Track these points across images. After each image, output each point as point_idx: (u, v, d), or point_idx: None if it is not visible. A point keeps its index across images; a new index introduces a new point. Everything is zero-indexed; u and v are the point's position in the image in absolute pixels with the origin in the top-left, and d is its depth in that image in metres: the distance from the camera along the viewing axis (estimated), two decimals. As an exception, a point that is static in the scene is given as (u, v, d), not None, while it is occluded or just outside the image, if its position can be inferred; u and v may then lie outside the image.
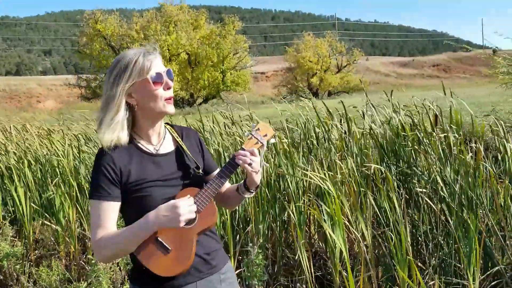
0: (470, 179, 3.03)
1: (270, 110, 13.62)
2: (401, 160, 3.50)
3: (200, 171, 1.65)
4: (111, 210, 1.52)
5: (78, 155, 4.49)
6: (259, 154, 1.60)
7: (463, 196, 3.02)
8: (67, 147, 4.33)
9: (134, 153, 1.58)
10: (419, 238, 3.17)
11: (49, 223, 4.17)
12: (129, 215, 1.57)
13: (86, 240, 4.02)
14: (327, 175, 2.81)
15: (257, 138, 1.60)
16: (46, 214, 4.25)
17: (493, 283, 2.83)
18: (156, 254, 1.48)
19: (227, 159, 3.63)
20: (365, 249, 2.90)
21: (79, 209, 4.00)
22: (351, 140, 3.62)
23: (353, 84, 37.95)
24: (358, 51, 39.06)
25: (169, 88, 1.57)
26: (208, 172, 1.72)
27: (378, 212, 3.04)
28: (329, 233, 2.53)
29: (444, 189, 3.08)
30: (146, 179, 1.55)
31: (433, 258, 3.07)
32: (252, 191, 1.67)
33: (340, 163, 3.11)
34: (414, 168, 3.36)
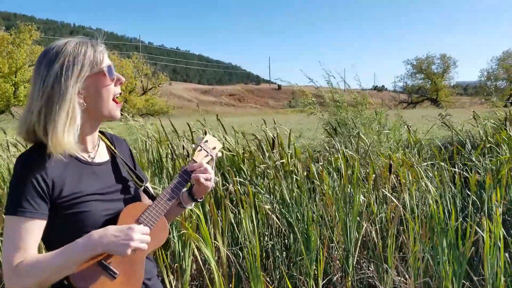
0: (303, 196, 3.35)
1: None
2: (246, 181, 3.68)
3: (144, 183, 1.46)
4: (36, 229, 1.22)
5: None
6: (211, 168, 1.49)
7: (300, 212, 3.32)
8: None
9: (68, 161, 1.30)
10: (265, 253, 3.37)
11: None
12: (59, 236, 1.26)
13: None
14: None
15: (206, 151, 1.50)
16: None
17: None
18: (100, 279, 1.24)
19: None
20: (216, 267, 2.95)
21: None
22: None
23: (158, 107, 38.25)
24: (164, 75, 39.67)
25: (120, 83, 1.38)
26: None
27: (237, 229, 3.14)
28: (205, 253, 2.50)
29: (284, 206, 3.35)
30: (83, 192, 1.29)
31: (277, 272, 3.29)
32: (198, 200, 1.54)
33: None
34: (258, 187, 3.57)
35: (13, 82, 27.26)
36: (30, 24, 29.25)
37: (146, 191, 1.49)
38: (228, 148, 3.93)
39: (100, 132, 1.47)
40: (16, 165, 1.26)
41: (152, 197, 1.50)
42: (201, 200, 1.56)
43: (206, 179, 1.45)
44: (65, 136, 1.24)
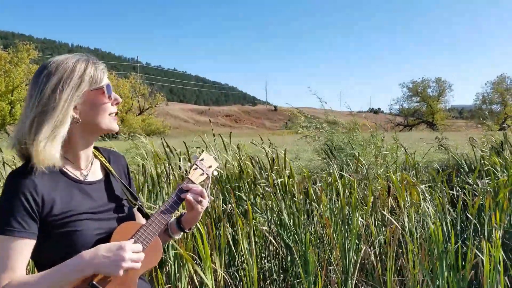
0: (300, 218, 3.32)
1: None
2: (242, 200, 3.66)
3: (138, 202, 1.43)
4: (24, 249, 1.18)
5: None
6: (206, 187, 1.46)
7: (297, 234, 3.29)
8: None
9: (59, 179, 1.27)
10: (262, 275, 3.33)
11: None
12: (50, 255, 1.23)
13: None
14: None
15: (202, 169, 1.46)
16: None
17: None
18: None
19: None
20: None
21: None
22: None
23: (154, 126, 38.32)
24: (161, 96, 39.89)
25: (117, 103, 1.35)
26: None
27: (234, 250, 3.10)
28: (203, 277, 2.46)
29: (282, 227, 3.32)
30: (75, 211, 1.25)
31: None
32: (186, 231, 1.50)
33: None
34: (255, 208, 3.54)
35: (10, 100, 27.29)
36: (28, 43, 29.48)
37: (140, 210, 1.46)
38: (231, 162, 3.92)
39: (95, 148, 1.43)
40: (6, 183, 1.23)
41: (146, 216, 1.46)
42: (189, 231, 1.52)
43: (199, 202, 1.41)
44: (47, 147, 1.20)
